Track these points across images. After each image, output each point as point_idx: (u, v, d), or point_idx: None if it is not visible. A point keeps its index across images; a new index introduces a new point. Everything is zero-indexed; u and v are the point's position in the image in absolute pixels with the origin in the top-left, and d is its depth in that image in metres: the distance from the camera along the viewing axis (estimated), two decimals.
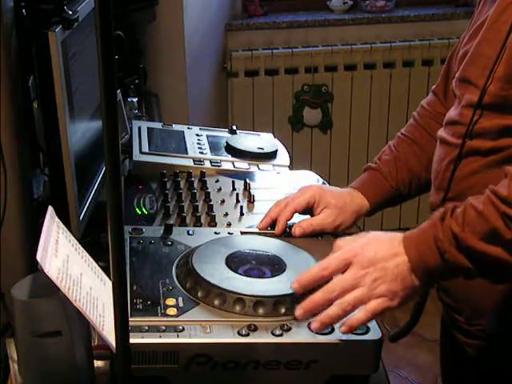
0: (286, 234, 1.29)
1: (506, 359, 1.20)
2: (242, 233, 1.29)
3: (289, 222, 1.30)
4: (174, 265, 1.14)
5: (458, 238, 0.98)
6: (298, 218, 1.31)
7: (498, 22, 1.10)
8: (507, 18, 1.08)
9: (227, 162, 1.64)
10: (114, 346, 0.81)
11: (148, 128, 1.79)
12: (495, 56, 1.09)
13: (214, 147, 1.71)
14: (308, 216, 1.32)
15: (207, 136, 1.79)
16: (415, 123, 1.41)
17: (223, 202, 1.45)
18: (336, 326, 1.01)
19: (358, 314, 1.01)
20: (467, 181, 1.16)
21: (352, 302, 1.00)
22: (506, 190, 0.97)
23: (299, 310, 1.01)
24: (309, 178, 1.60)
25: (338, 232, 1.32)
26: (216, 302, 1.03)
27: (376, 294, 1.01)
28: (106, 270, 1.01)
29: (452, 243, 0.99)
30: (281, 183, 1.55)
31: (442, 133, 1.24)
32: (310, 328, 1.01)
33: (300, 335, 0.99)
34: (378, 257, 1.03)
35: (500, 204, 0.96)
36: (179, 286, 1.08)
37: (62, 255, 0.94)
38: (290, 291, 1.05)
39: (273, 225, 1.31)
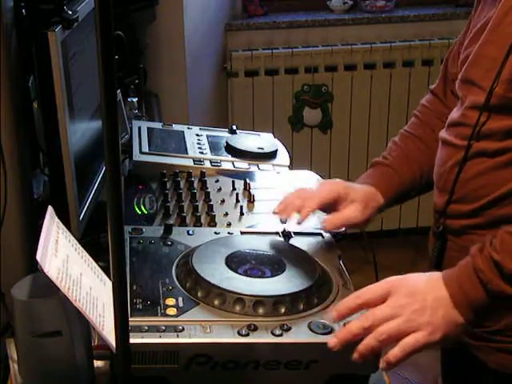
0: (286, 234, 1.29)
1: (509, 360, 1.20)
2: (242, 233, 1.29)
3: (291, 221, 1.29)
4: (174, 265, 1.14)
5: (500, 266, 0.97)
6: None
7: (502, 25, 1.10)
8: (511, 19, 1.08)
9: (227, 162, 1.64)
10: (114, 345, 0.81)
11: (148, 128, 1.79)
12: (501, 58, 1.08)
13: (214, 147, 1.71)
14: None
15: (207, 136, 1.79)
16: (418, 121, 1.40)
17: (223, 201, 1.45)
18: (336, 326, 1.01)
19: (395, 350, 0.98)
20: (473, 183, 1.15)
21: (387, 332, 0.97)
22: None
23: (333, 340, 0.97)
24: (309, 178, 1.60)
25: (363, 226, 1.31)
26: (216, 302, 1.03)
27: (414, 327, 0.98)
28: (105, 270, 1.02)
29: (494, 272, 0.98)
30: (281, 183, 1.55)
31: (444, 134, 1.23)
32: (310, 329, 1.01)
33: (300, 335, 0.99)
34: (419, 287, 1.01)
35: None
36: (179, 285, 1.08)
37: (61, 255, 0.94)
38: (289, 291, 1.05)
39: (273, 226, 1.30)
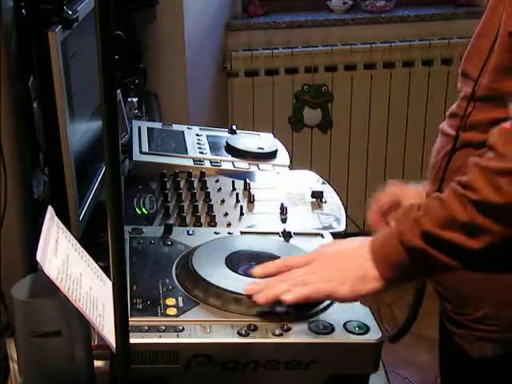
0: (286, 234, 1.29)
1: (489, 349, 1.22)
2: (242, 233, 1.29)
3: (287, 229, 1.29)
4: (174, 265, 1.14)
5: (418, 222, 0.97)
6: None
7: (493, 17, 1.13)
8: (500, 11, 1.11)
9: (227, 162, 1.64)
10: (114, 345, 0.81)
11: (148, 128, 1.79)
12: (488, 49, 1.11)
13: (214, 147, 1.72)
14: None
15: (207, 136, 1.79)
16: None
17: (223, 201, 1.45)
18: (336, 326, 1.01)
19: (300, 288, 1.00)
20: (460, 173, 1.17)
21: (290, 277, 1.01)
22: (467, 176, 0.95)
23: (260, 296, 1.01)
24: (309, 178, 1.60)
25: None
26: (216, 302, 1.03)
27: (324, 279, 1.00)
28: (105, 270, 1.02)
29: (411, 226, 0.97)
30: (281, 183, 1.55)
31: (443, 125, 1.27)
32: (310, 329, 1.01)
33: (300, 335, 0.99)
34: (342, 250, 1.04)
35: (459, 188, 0.95)
36: (179, 285, 1.08)
37: (61, 255, 0.94)
38: None
39: (273, 226, 1.31)
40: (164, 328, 0.98)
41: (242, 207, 1.41)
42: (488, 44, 1.12)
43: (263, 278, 1.05)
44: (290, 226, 1.31)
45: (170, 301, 1.04)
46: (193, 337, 0.97)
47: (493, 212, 0.91)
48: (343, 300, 1.02)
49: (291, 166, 1.69)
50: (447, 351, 1.36)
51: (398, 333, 1.35)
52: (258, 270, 1.07)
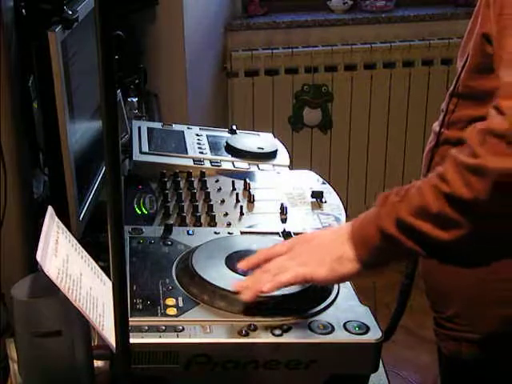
0: (286, 234, 1.29)
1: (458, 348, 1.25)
2: (242, 233, 1.29)
3: (288, 229, 1.30)
4: (174, 265, 1.14)
5: (394, 208, 0.97)
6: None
7: (478, 17, 1.14)
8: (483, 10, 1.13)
9: (227, 162, 1.64)
10: (114, 345, 0.81)
11: (148, 128, 1.79)
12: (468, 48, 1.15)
13: (213, 147, 1.72)
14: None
15: (207, 136, 1.79)
16: None
17: (223, 201, 1.45)
18: (336, 326, 1.01)
19: (279, 275, 1.01)
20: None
21: (272, 266, 1.02)
22: (443, 167, 0.95)
23: (247, 293, 1.01)
24: (309, 178, 1.60)
25: None
26: (216, 302, 1.03)
27: (302, 263, 1.01)
28: (106, 270, 1.02)
29: (388, 211, 0.97)
30: (281, 183, 1.55)
31: (435, 122, 1.30)
32: (310, 329, 1.01)
33: (300, 335, 0.99)
34: (319, 235, 1.05)
35: (435, 179, 0.95)
36: (179, 285, 1.08)
37: (61, 255, 0.95)
38: (289, 291, 1.05)
39: (273, 226, 1.31)
40: (164, 328, 0.98)
41: (241, 207, 1.41)
42: (471, 43, 1.15)
43: (247, 269, 1.06)
44: (289, 226, 1.31)
45: (170, 301, 1.04)
46: (193, 337, 0.97)
47: (461, 206, 0.91)
48: (322, 282, 1.02)
49: (291, 166, 1.69)
50: (440, 350, 1.37)
51: (387, 330, 1.35)
52: (242, 264, 1.07)
